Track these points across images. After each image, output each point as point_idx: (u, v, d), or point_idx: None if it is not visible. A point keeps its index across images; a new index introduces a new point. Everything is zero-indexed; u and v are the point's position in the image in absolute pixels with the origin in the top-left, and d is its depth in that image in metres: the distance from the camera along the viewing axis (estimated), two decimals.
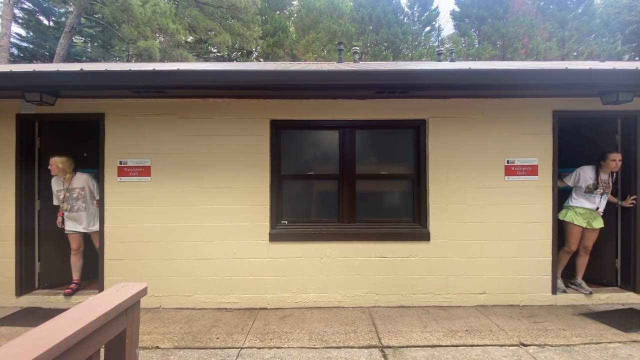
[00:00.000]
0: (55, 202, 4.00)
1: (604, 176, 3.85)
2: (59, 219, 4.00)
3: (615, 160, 3.77)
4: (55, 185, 3.96)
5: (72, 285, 4.00)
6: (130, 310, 1.50)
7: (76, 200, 3.96)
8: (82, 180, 3.99)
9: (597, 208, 3.83)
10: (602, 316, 3.52)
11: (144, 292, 1.59)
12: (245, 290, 3.86)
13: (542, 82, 3.32)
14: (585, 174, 3.91)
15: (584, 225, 3.88)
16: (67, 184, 3.95)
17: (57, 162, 3.86)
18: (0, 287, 3.88)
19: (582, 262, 4.03)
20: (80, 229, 3.98)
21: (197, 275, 3.86)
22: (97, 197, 4.02)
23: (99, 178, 3.96)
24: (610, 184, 3.87)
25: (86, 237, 4.11)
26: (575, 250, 3.98)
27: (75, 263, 4.07)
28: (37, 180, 4.10)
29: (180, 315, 3.66)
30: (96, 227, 4.00)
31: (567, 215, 3.96)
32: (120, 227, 3.87)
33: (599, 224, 3.88)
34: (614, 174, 3.92)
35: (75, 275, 4.06)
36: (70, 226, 3.97)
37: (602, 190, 3.84)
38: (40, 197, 4.12)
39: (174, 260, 3.86)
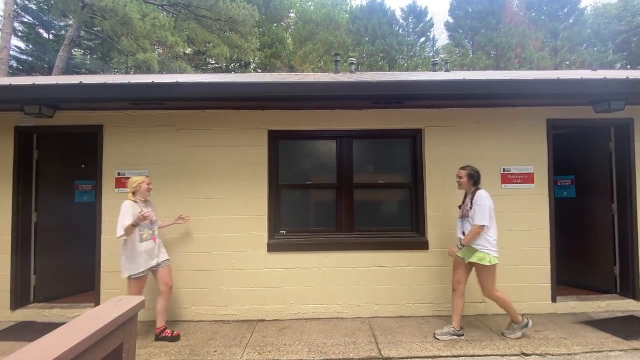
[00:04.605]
0: (122, 232, 3.03)
1: (467, 198, 3.23)
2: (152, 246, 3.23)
3: (458, 176, 3.29)
4: (135, 207, 3.16)
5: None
6: (127, 324, 1.49)
7: (155, 225, 3.37)
8: (150, 200, 3.47)
9: (463, 233, 3.20)
10: (603, 324, 3.50)
11: (141, 305, 1.58)
12: (244, 302, 3.83)
13: (535, 92, 3.39)
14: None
15: (461, 255, 3.22)
16: (146, 206, 3.32)
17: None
18: None
19: (455, 301, 3.28)
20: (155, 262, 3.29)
21: (194, 287, 3.82)
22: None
23: (97, 189, 3.95)
24: (470, 205, 3.15)
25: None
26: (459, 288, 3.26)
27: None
28: (34, 193, 4.09)
29: (177, 328, 3.60)
30: (165, 257, 3.40)
31: None
32: (117, 239, 3.83)
33: (468, 257, 3.15)
34: (466, 194, 3.28)
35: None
36: (144, 266, 3.18)
37: (461, 213, 3.28)
38: (38, 210, 4.10)
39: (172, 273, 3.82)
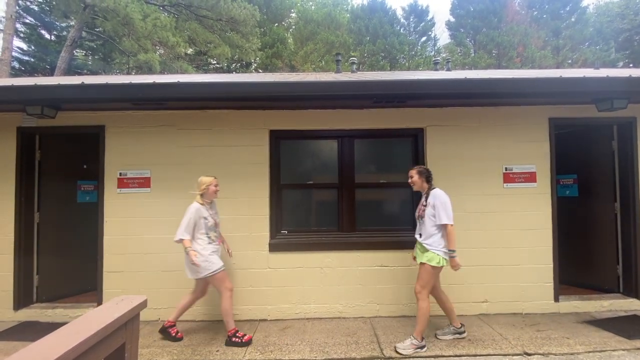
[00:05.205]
0: (179, 239, 3.09)
1: (423, 198, 3.16)
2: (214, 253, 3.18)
3: (409, 176, 3.19)
4: (202, 210, 3.18)
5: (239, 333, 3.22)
6: (129, 323, 1.49)
7: (218, 227, 3.37)
8: (214, 201, 3.43)
9: (420, 235, 3.11)
10: (606, 323, 3.49)
11: (143, 304, 1.58)
12: (245, 302, 3.83)
13: (537, 91, 3.37)
14: None
15: (418, 260, 3.15)
16: (211, 207, 3.30)
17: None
18: None
19: (439, 304, 3.26)
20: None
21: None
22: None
23: (98, 190, 3.96)
24: (424, 205, 3.09)
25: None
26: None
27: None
28: (36, 193, 4.10)
29: (179, 327, 3.60)
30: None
31: None
32: (119, 239, 3.86)
33: (419, 257, 3.08)
34: (421, 194, 3.20)
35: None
36: (219, 261, 3.20)
37: (417, 214, 3.17)
38: (40, 210, 4.11)
39: (173, 272, 3.82)
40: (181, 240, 3.09)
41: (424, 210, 3.07)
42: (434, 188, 3.10)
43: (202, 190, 3.20)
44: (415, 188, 3.22)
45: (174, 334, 3.30)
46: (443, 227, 2.96)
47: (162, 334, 3.32)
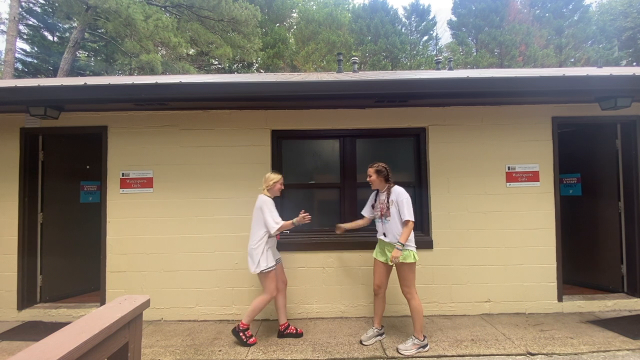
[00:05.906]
0: (277, 227, 3.12)
1: (382, 196, 3.15)
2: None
3: (368, 175, 3.19)
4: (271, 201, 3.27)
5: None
6: (132, 323, 1.49)
7: None
8: None
9: (384, 234, 3.10)
10: (610, 323, 3.47)
11: (146, 304, 1.59)
12: (248, 302, 3.82)
13: (539, 89, 3.36)
14: (370, 197, 3.33)
15: (379, 258, 3.18)
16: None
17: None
18: (1, 300, 3.86)
19: (376, 304, 3.25)
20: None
21: (199, 286, 3.84)
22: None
23: (101, 190, 3.97)
24: (386, 203, 3.07)
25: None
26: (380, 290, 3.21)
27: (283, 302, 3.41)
28: (40, 193, 4.12)
29: (182, 327, 3.62)
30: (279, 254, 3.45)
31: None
32: (122, 239, 3.87)
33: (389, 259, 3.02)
34: (379, 192, 3.22)
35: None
36: (267, 260, 3.17)
37: (379, 213, 3.15)
38: (43, 210, 4.13)
39: (176, 272, 3.84)
40: (279, 227, 3.10)
41: (387, 209, 3.04)
42: (393, 186, 3.09)
43: (269, 186, 3.28)
44: (373, 187, 3.22)
45: (294, 331, 3.36)
46: (414, 222, 2.96)
47: (284, 337, 3.34)
